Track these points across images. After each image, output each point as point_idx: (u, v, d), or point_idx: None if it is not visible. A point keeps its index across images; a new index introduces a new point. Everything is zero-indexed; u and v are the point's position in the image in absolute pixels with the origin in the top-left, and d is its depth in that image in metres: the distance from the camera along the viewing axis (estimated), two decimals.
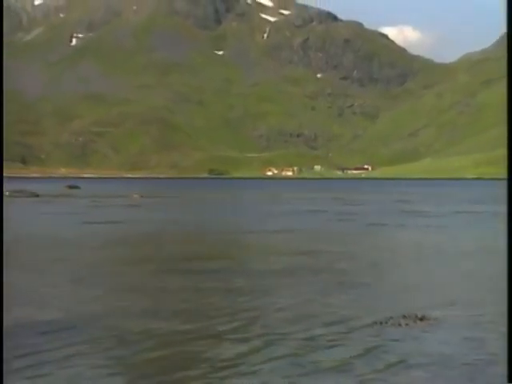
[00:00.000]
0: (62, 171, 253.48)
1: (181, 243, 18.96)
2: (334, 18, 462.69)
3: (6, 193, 49.08)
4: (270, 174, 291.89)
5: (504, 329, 6.17)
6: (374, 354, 6.61)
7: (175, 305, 9.28)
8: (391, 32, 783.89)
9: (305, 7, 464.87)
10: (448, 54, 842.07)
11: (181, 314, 8.55)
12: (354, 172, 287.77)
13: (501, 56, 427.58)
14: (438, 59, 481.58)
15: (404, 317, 7.82)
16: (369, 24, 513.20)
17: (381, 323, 7.71)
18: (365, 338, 7.25)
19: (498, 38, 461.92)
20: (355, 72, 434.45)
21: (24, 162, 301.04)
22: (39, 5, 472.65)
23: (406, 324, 7.61)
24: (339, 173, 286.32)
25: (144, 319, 8.12)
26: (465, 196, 62.89)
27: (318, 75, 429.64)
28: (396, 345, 6.96)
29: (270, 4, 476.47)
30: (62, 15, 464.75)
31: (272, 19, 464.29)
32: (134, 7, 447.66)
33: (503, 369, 5.57)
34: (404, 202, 49.58)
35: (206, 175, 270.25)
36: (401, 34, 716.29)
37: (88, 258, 15.09)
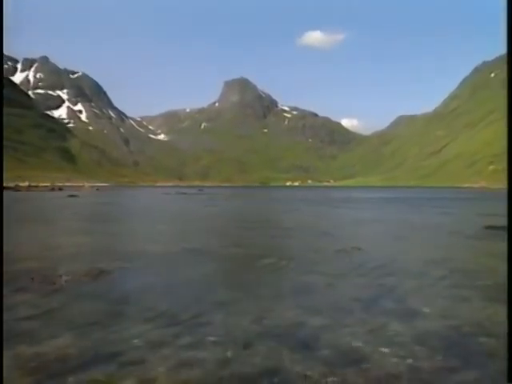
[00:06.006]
0: (196, 182, 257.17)
1: (246, 214, 18.74)
2: (316, 114, 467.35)
3: (172, 192, 49.76)
4: (287, 184, 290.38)
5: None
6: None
7: (244, 241, 9.01)
8: (343, 121, 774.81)
9: (304, 110, 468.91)
10: (368, 131, 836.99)
11: (248, 246, 8.28)
12: (325, 183, 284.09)
13: (393, 131, 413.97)
14: (363, 133, 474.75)
15: (352, 248, 7.37)
16: (332, 117, 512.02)
17: (339, 250, 7.28)
18: (334, 253, 6.85)
19: (393, 119, 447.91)
20: (326, 139, 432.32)
21: (180, 178, 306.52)
22: (188, 111, 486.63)
23: (352, 251, 7.16)
24: (318, 183, 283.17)
25: (229, 248, 7.89)
26: (377, 191, 61.06)
27: (309, 140, 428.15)
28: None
29: (288, 109, 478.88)
30: (197, 115, 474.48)
31: (288, 115, 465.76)
32: (228, 110, 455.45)
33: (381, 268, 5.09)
34: (346, 195, 48.33)
35: (258, 185, 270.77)
36: (349, 122, 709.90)
37: (204, 220, 15.00)
